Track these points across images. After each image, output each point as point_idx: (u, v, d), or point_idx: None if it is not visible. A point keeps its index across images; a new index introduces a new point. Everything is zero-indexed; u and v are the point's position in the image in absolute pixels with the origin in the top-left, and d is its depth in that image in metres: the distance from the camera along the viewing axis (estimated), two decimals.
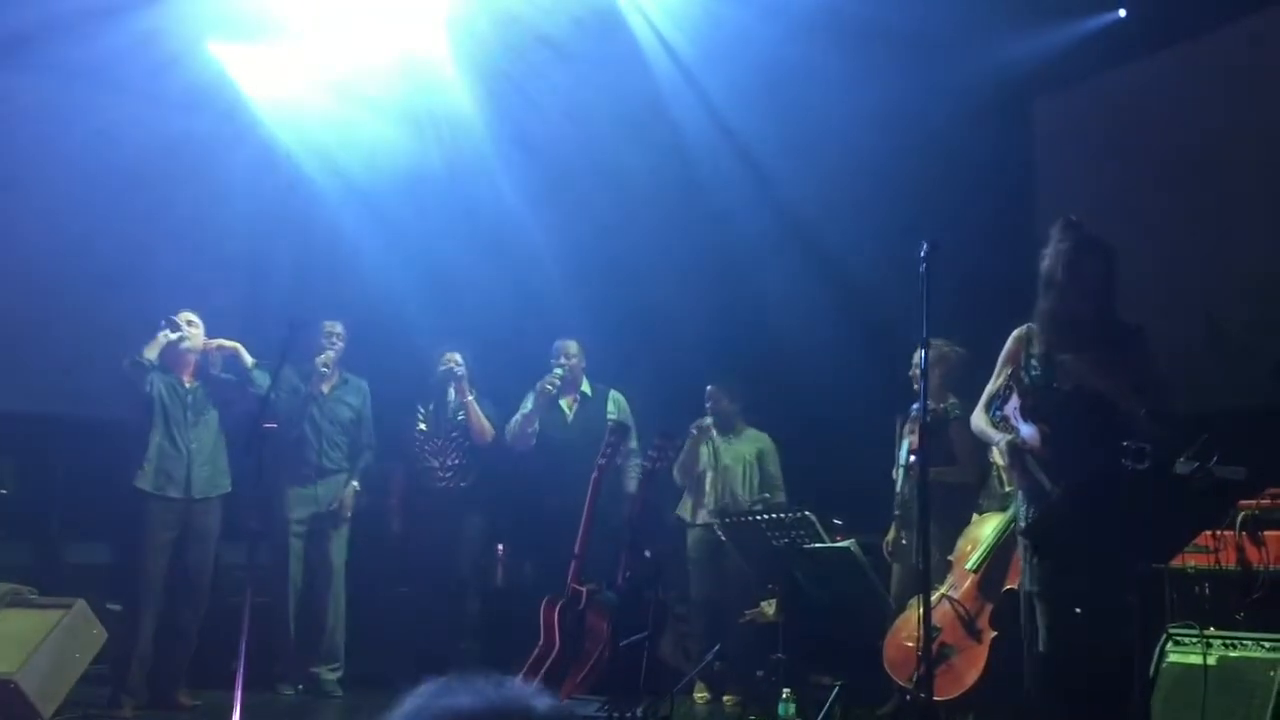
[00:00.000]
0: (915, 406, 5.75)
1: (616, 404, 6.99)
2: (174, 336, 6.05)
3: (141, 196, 7.40)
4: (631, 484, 6.71)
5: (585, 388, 7.02)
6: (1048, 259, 4.26)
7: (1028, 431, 4.18)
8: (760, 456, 6.77)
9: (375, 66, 7.44)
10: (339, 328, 6.71)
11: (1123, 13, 6.74)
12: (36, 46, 6.78)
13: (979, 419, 4.48)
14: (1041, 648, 4.25)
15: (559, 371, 6.83)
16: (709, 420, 6.80)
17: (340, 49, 7.34)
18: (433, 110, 7.73)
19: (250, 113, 7.69)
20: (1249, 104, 6.38)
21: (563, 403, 6.94)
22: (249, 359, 6.18)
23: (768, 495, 6.66)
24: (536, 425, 6.83)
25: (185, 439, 6.06)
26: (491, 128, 7.79)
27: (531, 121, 7.76)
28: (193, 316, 6.18)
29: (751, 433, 6.85)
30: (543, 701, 1.37)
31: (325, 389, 6.65)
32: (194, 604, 6.09)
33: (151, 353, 6.01)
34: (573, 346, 6.97)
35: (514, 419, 6.87)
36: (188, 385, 6.14)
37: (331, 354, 6.63)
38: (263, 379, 6.05)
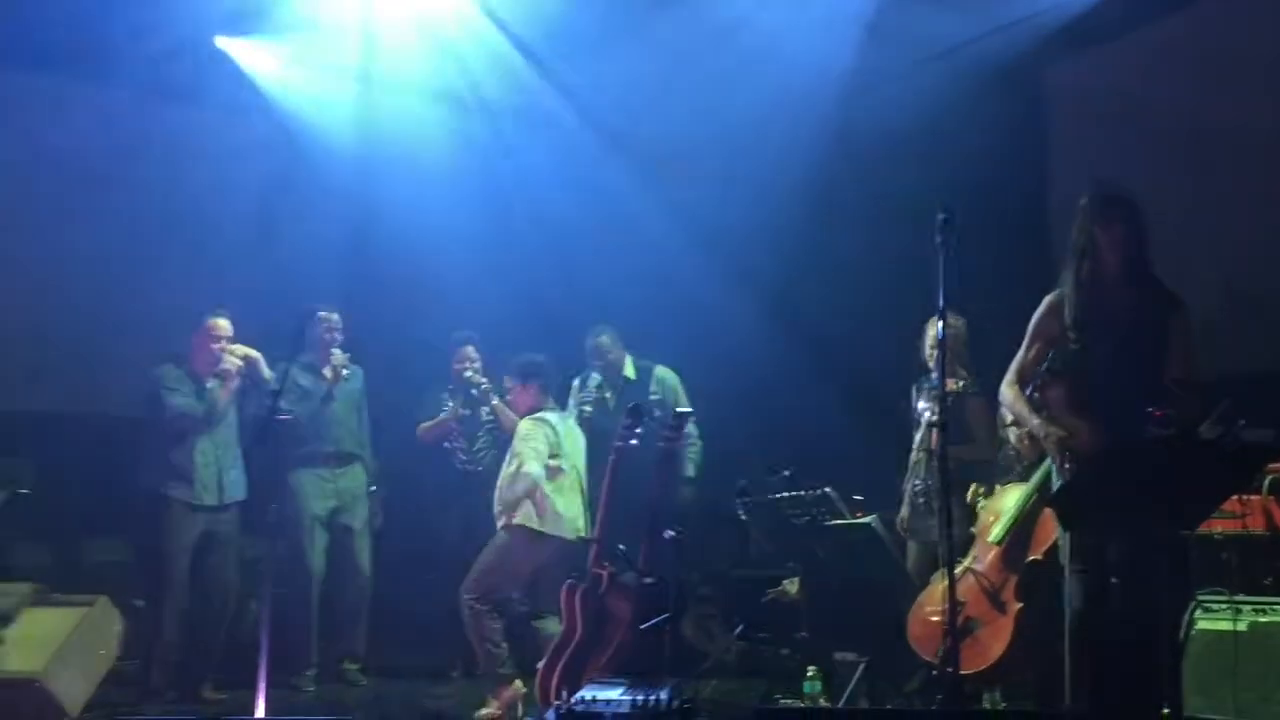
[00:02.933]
0: (931, 380, 5.71)
1: (660, 383, 6.88)
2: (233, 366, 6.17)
3: (150, 188, 7.38)
4: (689, 468, 6.70)
5: (629, 370, 6.92)
6: (1076, 224, 4.22)
7: (1080, 425, 4.12)
8: None
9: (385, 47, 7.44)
10: (336, 318, 6.64)
11: None
12: (37, 40, 6.75)
13: (1010, 393, 4.41)
14: (1074, 618, 4.23)
15: (593, 388, 6.78)
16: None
17: (347, 34, 7.33)
18: (446, 89, 7.71)
19: (257, 97, 7.66)
20: (1265, 67, 6.29)
21: (609, 395, 6.86)
22: (267, 372, 6.21)
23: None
24: (587, 429, 6.65)
25: (217, 445, 6.17)
26: (511, 107, 7.77)
27: (546, 99, 7.70)
28: (222, 325, 6.21)
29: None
30: None
31: (330, 376, 6.58)
32: (222, 602, 6.17)
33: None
34: (606, 340, 6.86)
35: None
36: (210, 389, 6.20)
37: (342, 357, 6.56)
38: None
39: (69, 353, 7.05)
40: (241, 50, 7.61)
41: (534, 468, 5.80)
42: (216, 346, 6.17)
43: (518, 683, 5.86)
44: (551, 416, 6.07)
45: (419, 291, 7.78)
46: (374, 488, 6.77)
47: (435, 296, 7.71)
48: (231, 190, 7.93)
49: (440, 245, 7.66)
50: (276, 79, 7.74)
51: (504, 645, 5.87)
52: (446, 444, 6.94)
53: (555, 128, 7.93)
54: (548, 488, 5.88)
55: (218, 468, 6.15)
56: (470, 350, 6.94)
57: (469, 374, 6.85)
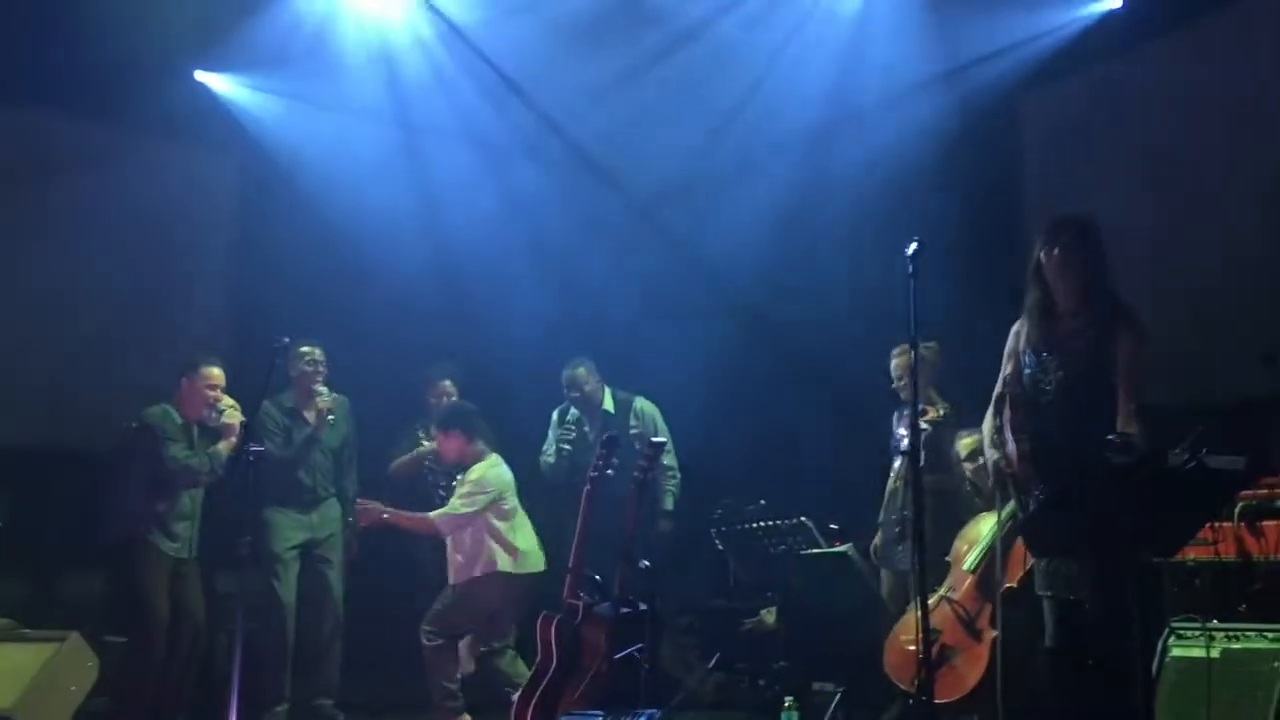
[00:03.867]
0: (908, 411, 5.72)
1: (640, 415, 6.84)
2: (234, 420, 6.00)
3: (127, 222, 7.39)
4: (668, 501, 6.69)
5: (608, 403, 6.87)
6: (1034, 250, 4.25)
7: (1011, 449, 4.16)
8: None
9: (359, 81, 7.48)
10: (319, 353, 6.50)
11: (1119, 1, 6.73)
12: (11, 71, 6.78)
13: (988, 423, 4.44)
14: (1049, 643, 4.24)
15: (571, 422, 6.79)
16: None
17: (331, 67, 7.38)
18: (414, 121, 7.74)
19: (236, 131, 7.69)
20: (1234, 93, 6.37)
21: (587, 429, 6.83)
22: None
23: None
24: (566, 463, 6.72)
25: (194, 499, 6.03)
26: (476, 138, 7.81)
27: (521, 130, 7.74)
28: (215, 375, 6.02)
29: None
30: None
31: (314, 420, 6.46)
32: (192, 633, 6.01)
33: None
34: (581, 373, 6.80)
35: (542, 461, 6.79)
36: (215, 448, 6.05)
37: (328, 400, 6.43)
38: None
39: (44, 386, 7.03)
40: (221, 84, 7.66)
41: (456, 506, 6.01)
42: (213, 395, 5.98)
43: (466, 716, 5.92)
44: (498, 459, 6.20)
45: (401, 324, 7.77)
46: (351, 519, 6.71)
47: (418, 330, 7.71)
48: (209, 224, 7.96)
49: (424, 278, 7.68)
50: (256, 112, 7.77)
51: (458, 680, 5.95)
52: (429, 478, 6.91)
53: (546, 161, 7.96)
54: (503, 527, 6.05)
55: (192, 521, 6.00)
56: (447, 384, 6.93)
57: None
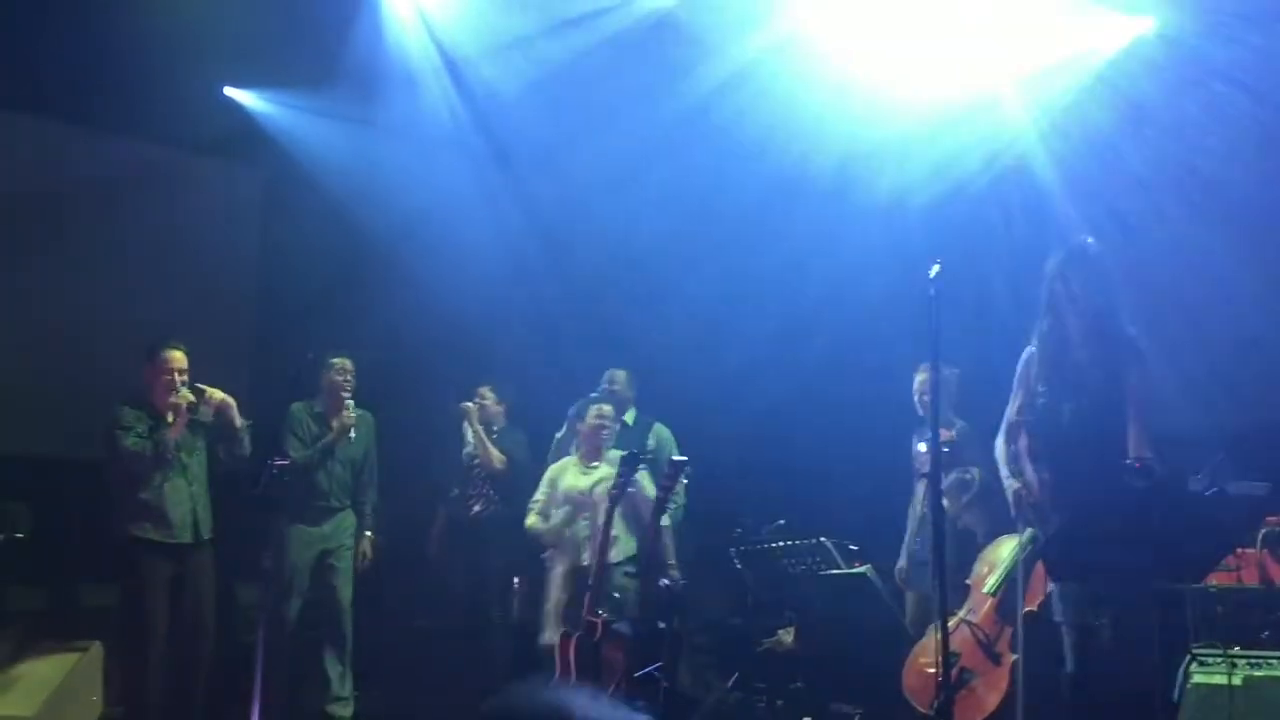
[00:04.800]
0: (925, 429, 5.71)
1: (657, 437, 6.83)
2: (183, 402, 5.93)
3: (153, 233, 7.45)
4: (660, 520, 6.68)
5: (629, 418, 6.90)
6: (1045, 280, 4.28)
7: (1030, 477, 4.18)
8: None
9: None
10: (349, 364, 6.54)
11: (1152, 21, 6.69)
12: (41, 82, 6.85)
13: (1000, 448, 4.45)
14: (1069, 668, 4.23)
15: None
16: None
17: (359, 83, 7.42)
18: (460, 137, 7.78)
19: (265, 145, 7.74)
20: (1268, 116, 6.32)
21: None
22: (239, 420, 5.97)
23: None
24: None
25: (191, 482, 5.95)
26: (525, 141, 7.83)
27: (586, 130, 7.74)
28: (176, 358, 5.93)
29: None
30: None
31: (336, 430, 6.48)
32: (204, 647, 5.94)
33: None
34: (622, 375, 6.92)
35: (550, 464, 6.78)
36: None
37: (351, 418, 6.44)
38: (247, 445, 5.95)
39: (67, 396, 7.06)
40: (250, 99, 7.72)
41: None
42: (169, 380, 5.88)
43: None
44: None
45: (431, 337, 7.79)
46: (369, 534, 6.66)
47: (448, 343, 7.74)
48: (237, 238, 8.00)
49: (452, 292, 7.70)
50: (285, 127, 7.83)
51: None
52: (476, 485, 6.97)
53: (578, 178, 7.98)
54: None
55: (191, 505, 5.91)
56: (485, 390, 6.98)
57: (466, 404, 6.92)
